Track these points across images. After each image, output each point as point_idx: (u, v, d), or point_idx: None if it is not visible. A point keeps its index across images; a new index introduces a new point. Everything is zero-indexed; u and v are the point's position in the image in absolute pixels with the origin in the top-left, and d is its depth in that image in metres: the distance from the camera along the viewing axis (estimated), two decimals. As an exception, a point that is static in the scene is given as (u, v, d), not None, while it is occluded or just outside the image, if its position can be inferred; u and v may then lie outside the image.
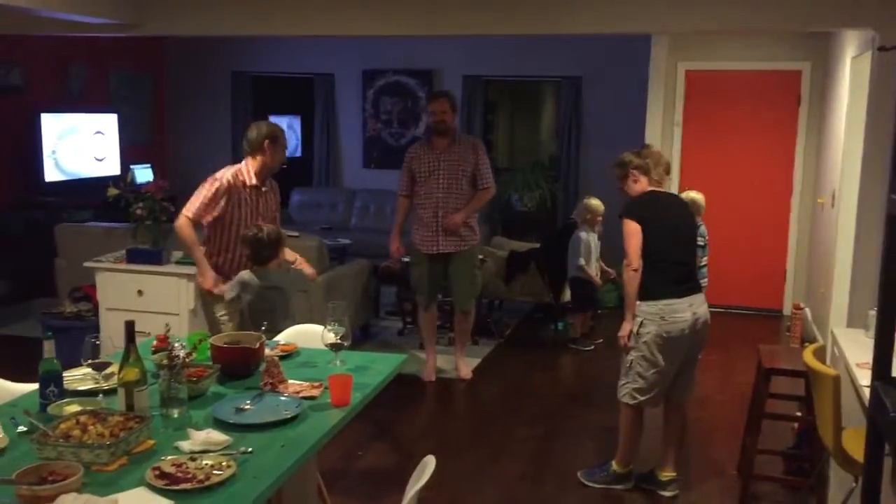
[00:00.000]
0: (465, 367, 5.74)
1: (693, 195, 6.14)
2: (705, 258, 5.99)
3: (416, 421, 5.05)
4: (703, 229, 6.04)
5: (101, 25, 5.69)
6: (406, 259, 5.77)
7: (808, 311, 6.84)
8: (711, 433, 4.83)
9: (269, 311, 3.72)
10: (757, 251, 7.59)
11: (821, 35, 6.94)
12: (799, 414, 4.24)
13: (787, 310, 7.31)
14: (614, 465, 4.06)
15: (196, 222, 4.15)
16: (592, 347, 6.47)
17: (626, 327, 3.84)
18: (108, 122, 8.55)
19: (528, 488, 4.11)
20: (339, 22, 5.61)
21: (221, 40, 9.19)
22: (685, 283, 3.83)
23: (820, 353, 3.42)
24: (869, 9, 4.59)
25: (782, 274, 7.57)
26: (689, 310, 3.77)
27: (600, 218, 6.48)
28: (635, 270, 3.77)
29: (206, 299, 4.21)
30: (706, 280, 6.06)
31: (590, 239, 6.39)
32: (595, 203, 6.51)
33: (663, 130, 7.56)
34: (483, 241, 7.83)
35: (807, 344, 4.91)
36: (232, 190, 4.12)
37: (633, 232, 3.79)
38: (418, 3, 5.40)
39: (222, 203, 4.11)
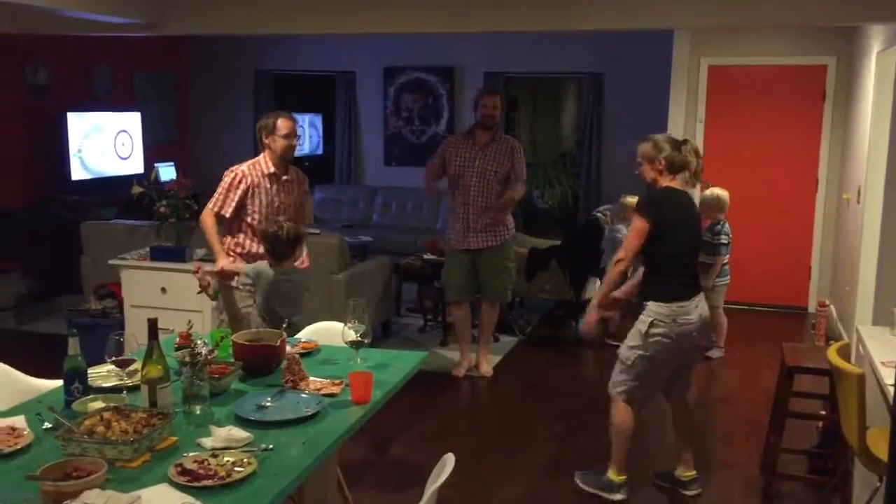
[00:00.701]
0: (487, 364, 5.74)
1: (717, 192, 6.09)
2: (727, 256, 5.95)
3: (437, 417, 5.06)
4: (727, 227, 6.00)
5: (124, 25, 5.74)
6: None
7: (833, 308, 6.77)
8: (735, 431, 4.80)
9: (281, 304, 3.77)
10: (781, 248, 7.51)
11: (846, 29, 6.86)
12: (823, 413, 4.20)
13: (812, 307, 7.24)
14: (610, 473, 3.93)
15: (219, 215, 4.24)
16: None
17: (591, 318, 3.90)
18: (132, 121, 8.63)
19: (548, 485, 4.10)
20: (359, 19, 5.63)
21: (244, 39, 9.25)
22: (693, 285, 3.79)
23: (844, 351, 3.38)
24: (893, 2, 4.53)
25: (807, 271, 7.49)
26: (696, 311, 3.73)
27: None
28: (622, 263, 3.73)
29: (228, 295, 4.24)
30: (728, 278, 6.02)
31: (620, 235, 6.17)
32: (631, 200, 6.21)
33: (685, 126, 7.51)
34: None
35: (832, 342, 4.86)
36: (248, 179, 4.22)
37: (639, 231, 3.68)
38: (438, 0, 5.40)
39: (240, 192, 4.21)
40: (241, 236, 4.29)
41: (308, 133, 10.15)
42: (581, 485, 4.01)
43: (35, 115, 7.68)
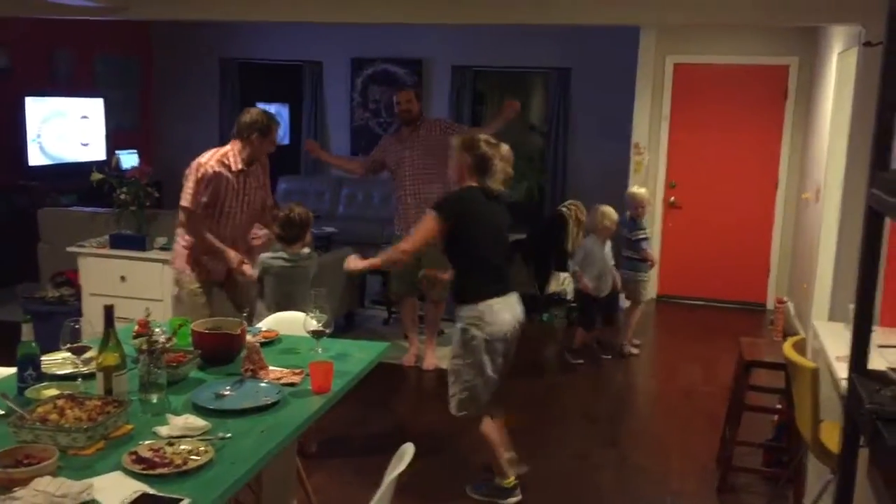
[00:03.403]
0: (432, 357, 5.73)
1: (635, 191, 6.18)
2: (644, 252, 5.99)
3: (398, 409, 5.05)
4: (644, 222, 6.09)
5: (85, 8, 5.63)
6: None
7: (790, 305, 6.88)
8: (692, 425, 4.86)
9: (292, 290, 3.94)
10: (741, 245, 7.62)
11: (809, 30, 6.96)
12: (779, 406, 4.26)
13: (771, 304, 7.35)
14: (497, 480, 3.87)
15: (195, 212, 4.14)
16: (581, 362, 5.96)
17: (360, 262, 3.73)
18: (94, 107, 8.49)
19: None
20: (327, 9, 5.57)
21: (209, 26, 9.13)
22: (503, 283, 3.70)
23: (800, 346, 3.44)
24: (855, 4, 4.59)
25: (766, 268, 7.61)
26: (509, 311, 3.66)
27: (645, 208, 6.03)
28: (403, 252, 3.67)
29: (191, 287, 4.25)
30: (644, 274, 6.07)
31: (594, 248, 5.89)
32: (639, 193, 6.08)
33: (651, 122, 7.58)
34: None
35: (789, 338, 4.94)
36: (217, 176, 4.13)
37: (428, 227, 3.60)
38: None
39: (210, 189, 4.12)
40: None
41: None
42: (475, 496, 3.88)
43: (-7, 98, 7.52)
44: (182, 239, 4.29)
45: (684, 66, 7.53)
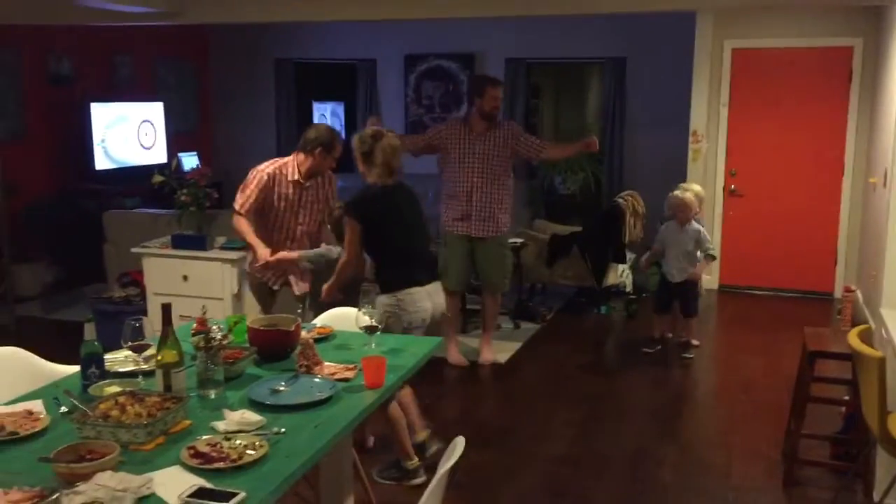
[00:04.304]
0: (490, 351, 5.70)
1: (696, 188, 6.02)
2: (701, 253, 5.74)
3: (456, 402, 5.06)
4: (697, 226, 5.84)
5: (143, 14, 5.78)
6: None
7: (859, 293, 6.68)
8: (756, 417, 4.76)
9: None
10: (807, 233, 7.42)
11: (872, 9, 6.73)
12: (846, 398, 4.14)
13: (839, 292, 7.14)
14: (402, 462, 3.86)
15: (247, 215, 4.27)
16: (651, 351, 5.87)
17: (326, 288, 3.99)
18: (154, 111, 8.70)
19: (567, 472, 4.09)
20: (380, 6, 5.62)
21: (264, 28, 9.27)
22: (422, 272, 3.84)
23: (866, 336, 3.34)
24: (921, -20, 4.44)
25: (833, 256, 7.40)
26: (429, 299, 3.76)
27: (689, 213, 5.67)
28: (346, 264, 3.91)
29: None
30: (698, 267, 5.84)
31: (666, 232, 5.76)
32: (677, 197, 5.77)
33: (709, 110, 7.43)
34: (525, 224, 7.86)
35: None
36: (272, 182, 4.24)
37: (353, 234, 3.82)
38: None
39: (261, 194, 4.24)
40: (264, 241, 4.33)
41: (330, 121, 10.17)
42: (379, 480, 3.86)
43: (59, 105, 7.75)
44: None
45: (743, 50, 7.35)
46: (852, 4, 6.51)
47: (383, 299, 3.73)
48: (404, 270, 3.82)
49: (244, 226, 4.26)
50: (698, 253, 5.71)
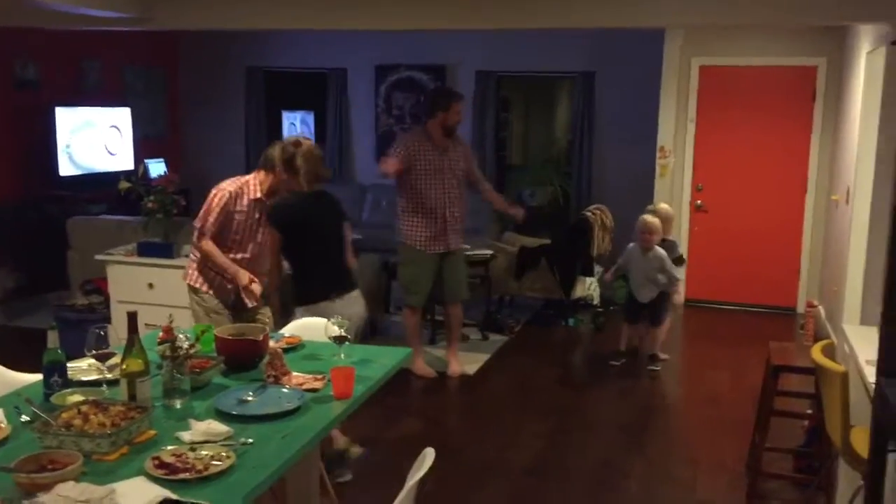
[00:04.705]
0: (457, 363, 5.70)
1: (663, 206, 6.10)
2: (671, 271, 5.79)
3: (422, 415, 5.05)
4: (674, 244, 6.04)
5: (112, 19, 5.71)
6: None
7: (821, 308, 6.78)
8: (721, 431, 4.80)
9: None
10: (771, 248, 7.53)
11: (836, 30, 6.87)
12: (809, 412, 4.20)
13: (801, 307, 7.25)
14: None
15: (202, 230, 4.04)
16: (618, 363, 5.91)
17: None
18: (121, 117, 8.60)
19: (534, 484, 4.10)
20: (351, 16, 5.60)
21: (235, 35, 9.22)
22: (336, 285, 3.88)
23: (830, 351, 3.38)
24: (883, 2, 4.54)
25: (796, 271, 7.51)
26: (348, 309, 3.76)
27: (652, 238, 5.68)
28: (272, 270, 3.95)
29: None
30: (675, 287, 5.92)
31: (631, 255, 5.79)
32: (641, 219, 5.77)
33: (677, 126, 7.52)
34: (494, 237, 7.90)
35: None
36: (233, 201, 4.04)
37: (271, 238, 3.86)
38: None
39: (223, 214, 4.04)
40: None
41: (299, 130, 10.12)
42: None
43: (24, 110, 7.63)
44: (193, 255, 4.24)
45: (710, 68, 7.46)
46: (816, 25, 6.63)
47: (299, 311, 3.78)
48: (318, 283, 3.83)
49: (213, 247, 4.03)
50: (660, 277, 5.72)
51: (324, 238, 3.90)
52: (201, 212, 4.09)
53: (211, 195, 4.09)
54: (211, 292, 4.18)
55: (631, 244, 5.89)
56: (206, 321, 4.11)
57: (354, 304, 3.93)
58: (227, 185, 4.08)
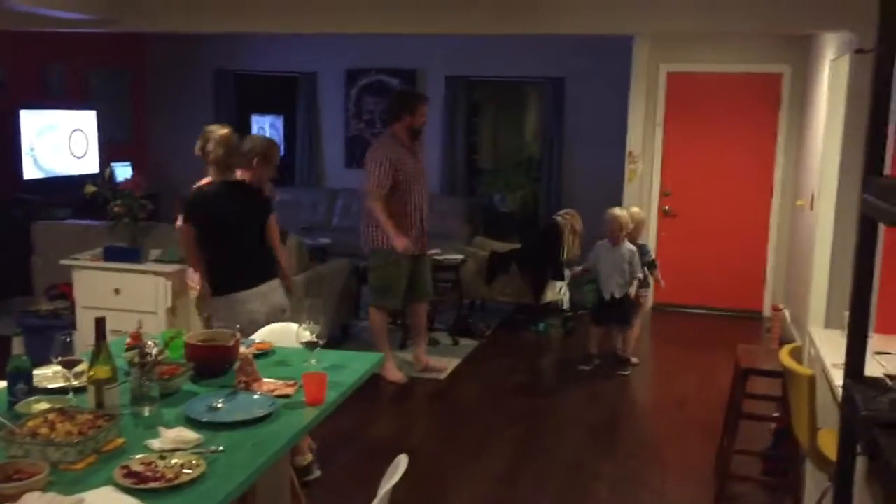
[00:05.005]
0: (432, 358, 5.83)
1: (635, 209, 6.18)
2: (642, 275, 5.92)
3: (395, 420, 5.03)
4: (646, 247, 6.13)
5: (76, 21, 5.63)
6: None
7: (787, 312, 6.88)
8: (689, 434, 4.84)
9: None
10: (737, 252, 7.62)
11: (801, 38, 6.99)
12: (776, 414, 4.25)
13: (767, 311, 7.35)
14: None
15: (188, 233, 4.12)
16: (588, 368, 5.94)
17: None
18: (87, 120, 8.48)
19: (504, 488, 4.10)
20: (321, 19, 5.58)
21: (204, 38, 9.14)
22: (254, 274, 3.84)
23: (797, 354, 3.43)
24: (847, 11, 4.62)
25: (762, 275, 7.61)
26: (261, 300, 3.79)
27: (620, 232, 5.77)
28: (193, 267, 3.92)
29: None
30: (647, 289, 6.14)
31: (599, 250, 5.85)
32: (609, 212, 5.86)
33: (645, 131, 7.58)
34: (465, 241, 7.90)
35: (785, 345, 4.93)
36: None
37: (184, 233, 3.81)
38: (402, 1, 5.39)
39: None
40: None
41: (269, 134, 10.06)
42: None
43: (-13, 111, 7.50)
44: None
45: (678, 74, 7.54)
46: (780, 33, 6.73)
47: (214, 301, 3.76)
48: (234, 273, 3.79)
49: (189, 244, 4.04)
50: (626, 269, 5.79)
51: (238, 229, 3.82)
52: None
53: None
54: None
55: (599, 241, 5.94)
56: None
57: (272, 294, 3.87)
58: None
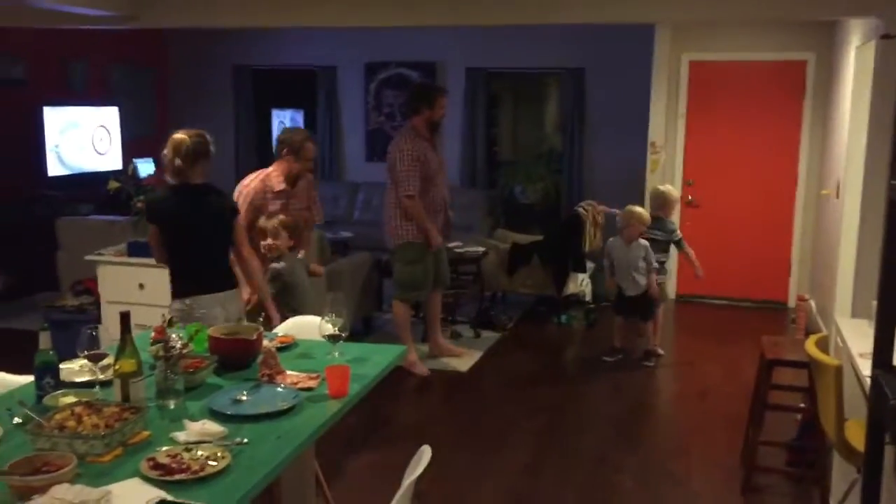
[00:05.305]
0: (447, 345, 5.93)
1: (662, 189, 6.13)
2: (665, 255, 5.97)
3: (417, 412, 5.04)
4: (670, 224, 6.03)
5: (98, 17, 5.68)
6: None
7: (812, 302, 6.81)
8: (715, 425, 4.81)
9: (301, 285, 4.20)
10: (762, 242, 7.55)
11: (825, 24, 6.89)
12: (802, 405, 4.21)
13: (793, 302, 7.28)
14: None
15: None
16: (612, 360, 5.93)
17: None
18: (109, 116, 8.55)
19: (528, 481, 4.09)
20: (340, 13, 5.59)
21: (223, 33, 9.17)
22: (215, 279, 3.79)
23: (823, 344, 3.39)
24: (872, -3, 4.55)
25: (787, 265, 7.53)
26: (220, 305, 3.73)
27: (636, 231, 5.72)
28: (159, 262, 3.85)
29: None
30: (665, 275, 6.08)
31: (613, 248, 5.83)
32: (633, 211, 5.81)
33: (667, 121, 7.53)
34: (486, 234, 7.90)
35: (811, 335, 4.88)
36: (259, 196, 4.32)
37: (151, 234, 3.77)
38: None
39: (252, 211, 4.32)
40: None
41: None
42: None
43: (11, 109, 7.57)
44: None
45: (700, 63, 7.47)
46: (805, 19, 6.65)
47: (174, 304, 3.75)
48: (194, 276, 3.75)
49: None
50: (643, 265, 5.74)
51: (202, 232, 3.76)
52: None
53: (235, 195, 4.31)
54: None
55: (611, 238, 5.92)
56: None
57: (230, 302, 3.81)
58: (250, 182, 4.40)
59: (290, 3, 5.55)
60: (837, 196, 5.96)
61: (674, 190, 6.22)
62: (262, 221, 4.25)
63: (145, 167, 8.15)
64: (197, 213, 3.74)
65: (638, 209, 5.85)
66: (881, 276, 2.10)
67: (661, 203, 6.03)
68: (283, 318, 4.10)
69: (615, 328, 6.06)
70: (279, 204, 4.37)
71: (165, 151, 3.74)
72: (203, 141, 3.76)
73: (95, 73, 8.69)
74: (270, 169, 4.41)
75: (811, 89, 7.22)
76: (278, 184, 4.35)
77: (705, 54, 7.44)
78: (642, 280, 5.77)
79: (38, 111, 7.62)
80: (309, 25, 7.13)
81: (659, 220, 5.97)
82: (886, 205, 2.08)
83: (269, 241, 4.24)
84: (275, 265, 4.25)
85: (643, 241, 5.77)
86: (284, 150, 4.35)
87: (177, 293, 3.76)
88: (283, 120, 10.19)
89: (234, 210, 3.93)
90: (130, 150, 8.68)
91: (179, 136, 3.74)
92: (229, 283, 3.86)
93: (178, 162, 3.67)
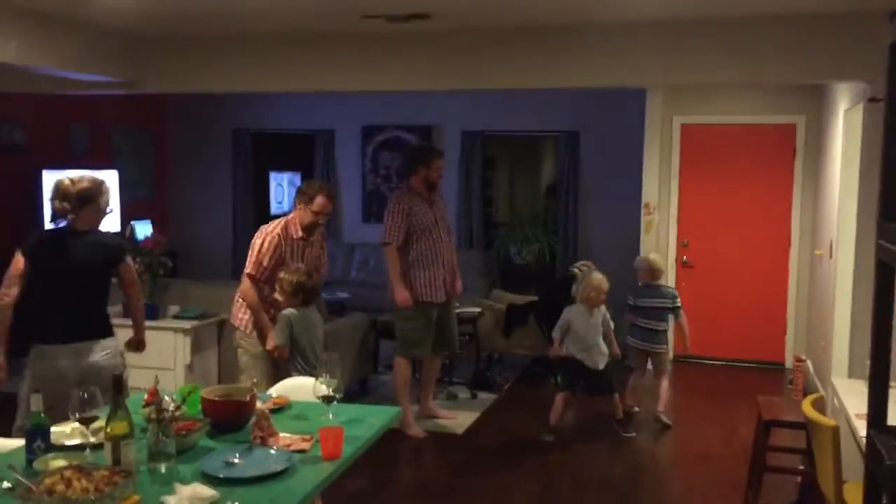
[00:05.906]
0: (435, 406, 5.88)
1: (651, 257, 6.13)
2: (666, 324, 5.89)
3: (414, 475, 4.98)
4: (672, 290, 5.99)
5: (100, 83, 5.77)
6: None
7: (809, 363, 6.79)
8: (713, 488, 4.75)
9: (314, 335, 4.26)
10: (757, 303, 7.55)
11: (815, 88, 7.02)
12: (801, 467, 4.17)
13: (789, 362, 7.25)
14: None
15: (259, 278, 4.43)
16: (550, 439, 5.52)
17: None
18: (109, 179, 8.56)
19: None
20: (338, 78, 5.69)
21: (222, 98, 9.31)
22: (74, 328, 3.65)
23: (819, 404, 3.38)
24: (860, 61, 4.65)
25: (783, 326, 7.53)
26: (76, 358, 3.59)
27: (602, 296, 5.48)
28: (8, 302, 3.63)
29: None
30: (664, 346, 5.95)
31: (574, 317, 5.48)
32: (595, 279, 5.55)
33: (661, 183, 7.60)
34: (482, 294, 7.90)
35: (808, 396, 4.85)
36: (283, 241, 4.47)
37: (13, 262, 3.63)
38: (415, 58, 5.49)
39: (275, 256, 4.44)
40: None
41: (287, 191, 10.18)
42: None
43: (9, 174, 7.64)
44: (239, 300, 4.58)
45: (692, 126, 7.58)
46: (794, 83, 6.78)
47: (33, 349, 3.64)
48: (47, 322, 3.62)
49: (253, 298, 4.43)
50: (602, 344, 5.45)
51: (57, 279, 3.64)
52: (252, 259, 4.45)
53: (258, 240, 4.47)
54: (254, 339, 4.48)
55: (566, 308, 5.59)
56: (251, 365, 4.44)
57: (94, 353, 3.68)
58: (274, 228, 4.51)
59: (289, 69, 5.66)
60: (831, 256, 5.99)
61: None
62: (282, 274, 4.33)
63: (143, 229, 8.20)
64: (65, 259, 3.62)
65: (596, 276, 5.53)
66: (872, 335, 2.11)
67: (654, 269, 5.96)
68: (293, 364, 4.14)
69: (556, 404, 5.59)
70: (299, 250, 4.53)
71: (52, 194, 3.70)
72: (92, 188, 3.67)
73: (96, 136, 8.79)
74: (291, 216, 4.59)
75: (802, 151, 7.33)
76: (296, 231, 4.53)
77: (697, 117, 7.56)
78: (605, 349, 5.47)
79: (38, 174, 7.68)
80: (307, 90, 7.26)
81: (658, 287, 5.94)
82: (876, 265, 2.10)
83: (276, 294, 4.36)
84: (283, 312, 4.32)
85: (605, 312, 5.53)
86: (298, 200, 4.49)
87: (34, 337, 3.62)
88: (280, 183, 10.28)
89: (119, 259, 3.83)
90: (129, 211, 8.74)
91: (67, 180, 3.68)
92: (95, 332, 3.71)
93: (64, 204, 3.63)
